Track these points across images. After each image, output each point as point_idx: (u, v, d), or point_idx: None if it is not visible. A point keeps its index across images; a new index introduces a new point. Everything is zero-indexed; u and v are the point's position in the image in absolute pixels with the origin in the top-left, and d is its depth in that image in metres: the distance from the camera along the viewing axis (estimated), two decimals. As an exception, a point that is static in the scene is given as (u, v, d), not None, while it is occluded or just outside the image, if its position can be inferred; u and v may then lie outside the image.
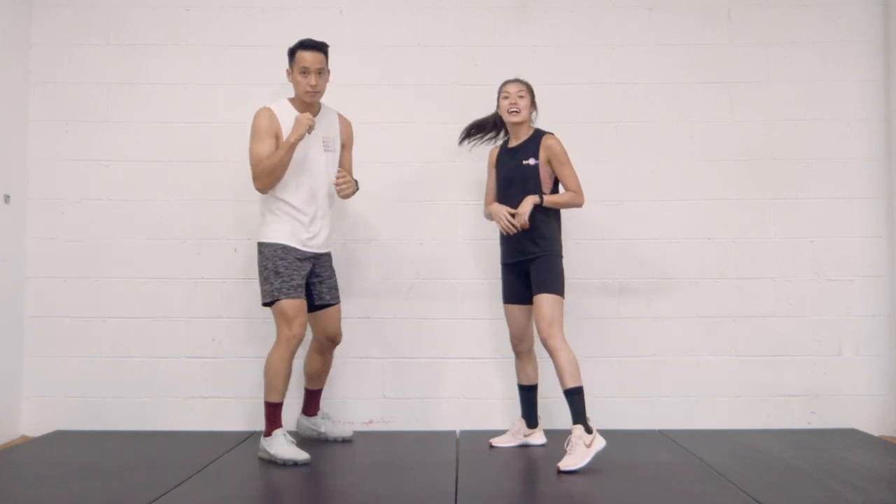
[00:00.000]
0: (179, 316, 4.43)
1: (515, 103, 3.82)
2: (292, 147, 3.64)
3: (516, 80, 3.90)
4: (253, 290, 4.37)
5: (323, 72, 3.74)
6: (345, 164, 3.94)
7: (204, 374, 4.41)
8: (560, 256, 3.76)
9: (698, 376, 4.42)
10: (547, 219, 3.75)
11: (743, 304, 4.45)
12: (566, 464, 3.44)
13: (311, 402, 4.09)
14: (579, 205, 3.81)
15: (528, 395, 3.95)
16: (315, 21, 4.51)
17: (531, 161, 3.76)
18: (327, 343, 3.97)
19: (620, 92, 4.51)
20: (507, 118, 3.85)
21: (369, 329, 4.30)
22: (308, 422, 4.10)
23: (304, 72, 3.70)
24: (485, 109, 4.45)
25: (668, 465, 3.60)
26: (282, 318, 3.66)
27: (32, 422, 4.40)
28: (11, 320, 4.33)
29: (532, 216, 3.70)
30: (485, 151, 4.36)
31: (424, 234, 4.46)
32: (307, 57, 3.69)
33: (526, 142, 3.84)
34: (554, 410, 4.23)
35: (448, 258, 4.45)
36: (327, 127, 3.86)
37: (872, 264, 4.47)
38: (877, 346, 4.45)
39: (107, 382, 4.40)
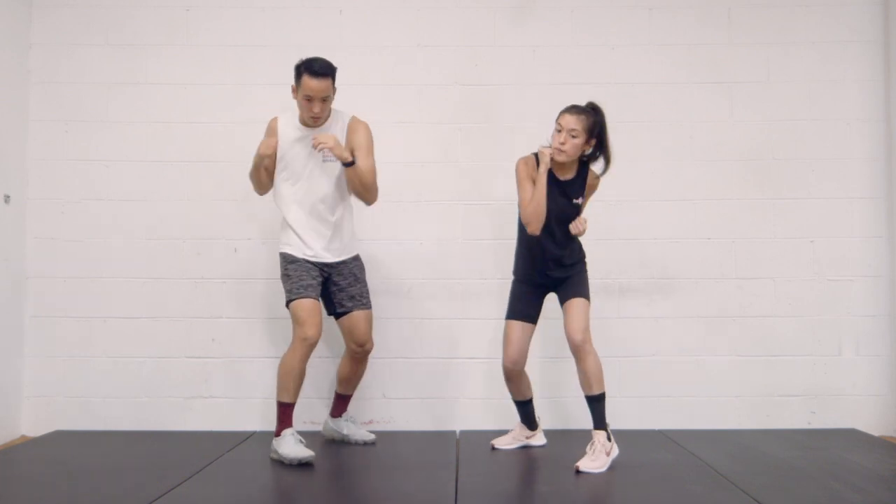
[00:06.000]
0: (179, 316, 4.43)
1: (564, 143, 3.55)
2: (260, 159, 3.69)
3: (576, 112, 3.58)
4: (252, 290, 4.42)
5: (328, 98, 3.64)
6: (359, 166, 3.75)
7: (204, 374, 4.41)
8: (586, 264, 3.74)
9: (698, 376, 4.42)
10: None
11: (743, 304, 4.45)
12: (587, 466, 3.44)
13: (338, 406, 4.08)
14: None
15: (526, 407, 3.88)
16: (315, 21, 4.51)
17: (579, 200, 3.67)
18: (356, 348, 3.90)
19: (620, 92, 4.50)
20: (554, 155, 3.57)
21: (369, 329, 4.30)
22: (333, 423, 4.09)
23: (308, 98, 3.62)
24: (485, 109, 4.47)
25: (668, 465, 3.60)
26: (295, 321, 3.68)
27: (32, 422, 4.40)
28: (11, 320, 4.33)
29: (567, 241, 3.68)
30: (491, 152, 4.37)
31: (424, 234, 4.46)
32: (312, 85, 3.57)
33: (575, 178, 3.68)
34: (559, 409, 4.24)
35: (448, 258, 4.45)
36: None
37: (872, 264, 4.47)
38: (877, 346, 4.45)
39: (107, 382, 4.40)
